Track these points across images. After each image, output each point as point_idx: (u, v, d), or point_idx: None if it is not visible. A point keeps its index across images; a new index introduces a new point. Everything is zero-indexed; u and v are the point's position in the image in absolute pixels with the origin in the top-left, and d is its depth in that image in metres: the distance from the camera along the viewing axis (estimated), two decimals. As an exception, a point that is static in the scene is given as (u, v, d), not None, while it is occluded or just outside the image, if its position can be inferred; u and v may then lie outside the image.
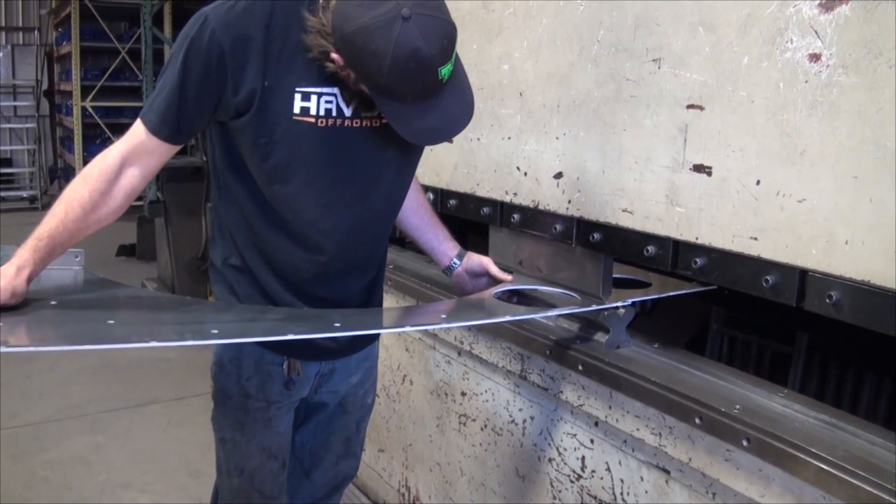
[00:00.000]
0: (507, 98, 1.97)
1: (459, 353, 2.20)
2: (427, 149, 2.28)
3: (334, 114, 1.48)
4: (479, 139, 2.07)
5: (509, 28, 1.94)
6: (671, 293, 1.79)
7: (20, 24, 11.90)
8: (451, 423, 2.27)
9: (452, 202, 2.18)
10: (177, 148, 1.52)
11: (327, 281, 1.62)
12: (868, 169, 1.27)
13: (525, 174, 1.93)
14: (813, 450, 1.29)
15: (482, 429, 2.14)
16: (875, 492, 1.19)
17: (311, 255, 1.58)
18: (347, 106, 1.48)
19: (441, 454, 2.33)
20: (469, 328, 2.10)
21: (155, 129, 1.46)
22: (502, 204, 2.01)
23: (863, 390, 2.27)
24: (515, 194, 1.97)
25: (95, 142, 8.91)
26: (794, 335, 2.35)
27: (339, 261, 1.60)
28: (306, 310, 1.60)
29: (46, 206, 8.83)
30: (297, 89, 1.44)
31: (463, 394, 2.21)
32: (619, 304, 1.73)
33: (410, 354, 2.44)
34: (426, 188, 2.27)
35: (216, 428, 1.73)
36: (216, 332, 1.36)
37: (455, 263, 1.87)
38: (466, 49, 2.09)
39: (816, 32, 1.32)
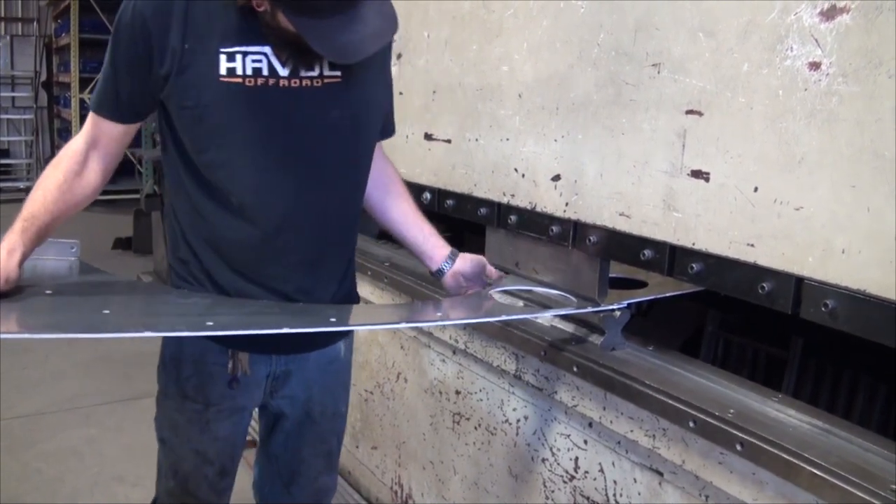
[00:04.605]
0: (505, 99, 1.96)
1: (454, 352, 2.20)
2: (425, 149, 2.29)
3: (265, 73, 1.43)
4: (477, 140, 2.07)
5: (509, 29, 1.94)
6: (667, 294, 1.78)
7: (19, 15, 11.86)
8: (445, 421, 2.27)
9: (450, 202, 2.18)
10: (131, 126, 1.53)
11: (282, 264, 1.54)
12: (866, 178, 1.27)
13: (523, 176, 1.93)
14: (806, 455, 1.29)
15: (476, 428, 2.14)
16: (868, 498, 1.19)
17: (256, 228, 1.50)
18: (283, 65, 1.43)
19: (434, 452, 2.33)
20: (464, 327, 2.10)
21: (96, 110, 1.50)
22: (499, 205, 2.01)
23: (857, 395, 2.28)
24: (513, 195, 1.96)
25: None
26: (789, 339, 2.36)
27: (289, 232, 1.52)
28: (302, 305, 1.56)
29: (43, 198, 8.83)
30: (222, 50, 1.41)
31: (457, 392, 2.21)
32: (615, 306, 1.72)
33: (405, 352, 2.44)
34: (423, 188, 2.27)
35: (156, 427, 1.69)
36: (211, 323, 1.35)
37: (446, 266, 1.76)
38: (466, 49, 2.09)
39: (817, 41, 1.32)
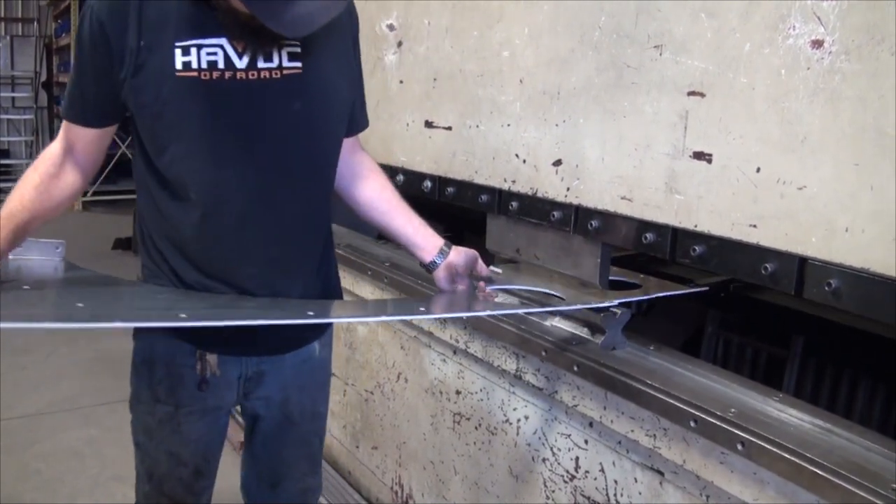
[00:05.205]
0: (506, 85, 1.96)
1: (455, 352, 2.19)
2: (426, 136, 2.29)
3: (221, 65, 1.39)
4: (478, 126, 2.06)
5: (510, 14, 1.93)
6: (662, 293, 1.76)
7: (19, 15, 11.86)
8: (446, 421, 2.26)
9: (450, 190, 2.17)
10: (103, 130, 1.52)
11: (247, 261, 1.51)
12: (869, 156, 1.26)
13: (524, 161, 1.92)
14: (807, 454, 1.28)
15: (476, 428, 2.13)
16: (869, 497, 1.19)
17: (217, 225, 1.47)
18: (240, 57, 1.41)
19: (435, 452, 2.32)
20: (465, 327, 2.08)
21: (66, 115, 1.51)
22: (500, 191, 2.00)
23: (857, 394, 2.28)
24: (514, 182, 1.96)
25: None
26: (790, 338, 2.36)
27: (252, 229, 1.49)
28: (280, 299, 1.53)
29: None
30: (177, 44, 1.38)
31: (458, 392, 2.20)
32: (607, 304, 1.69)
33: (406, 352, 2.43)
34: (424, 176, 2.26)
35: (132, 431, 1.67)
36: (184, 315, 1.31)
37: (440, 257, 1.67)
38: (467, 36, 2.08)
39: (819, 18, 1.31)
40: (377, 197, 1.71)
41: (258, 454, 1.75)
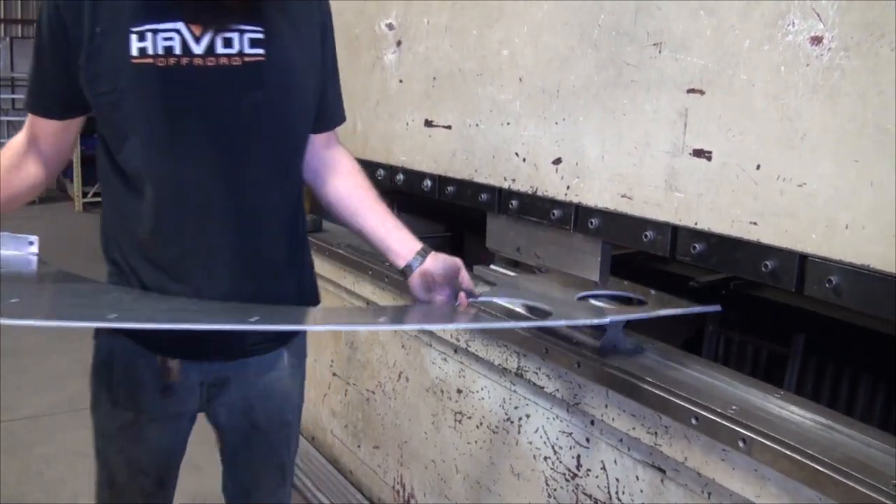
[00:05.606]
0: (506, 83, 1.96)
1: (456, 351, 2.19)
2: (425, 135, 2.28)
3: (177, 51, 1.33)
4: (477, 125, 2.06)
5: (510, 13, 1.93)
6: (665, 312, 1.64)
7: (19, 17, 11.86)
8: (447, 420, 2.26)
9: (450, 189, 2.17)
10: (66, 123, 1.47)
11: (206, 260, 1.44)
12: (869, 152, 1.26)
13: (524, 160, 1.92)
14: (809, 451, 1.28)
15: (478, 426, 2.13)
16: (871, 493, 1.19)
17: (174, 221, 1.42)
18: (197, 41, 1.34)
19: (436, 451, 2.32)
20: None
21: (27, 106, 1.48)
22: (500, 190, 2.00)
23: (858, 391, 2.28)
24: (514, 180, 1.96)
25: (93, 135, 8.83)
26: (790, 336, 2.36)
27: (210, 226, 1.42)
28: (236, 304, 1.44)
29: (44, 200, 8.82)
30: (132, 29, 1.32)
31: (459, 391, 2.20)
32: (595, 321, 1.61)
33: (406, 351, 2.43)
34: (424, 175, 2.26)
35: (93, 437, 1.60)
36: (115, 315, 1.25)
37: (415, 262, 1.54)
38: (466, 34, 2.08)
39: (818, 15, 1.31)
40: (348, 195, 1.61)
41: (228, 463, 1.70)
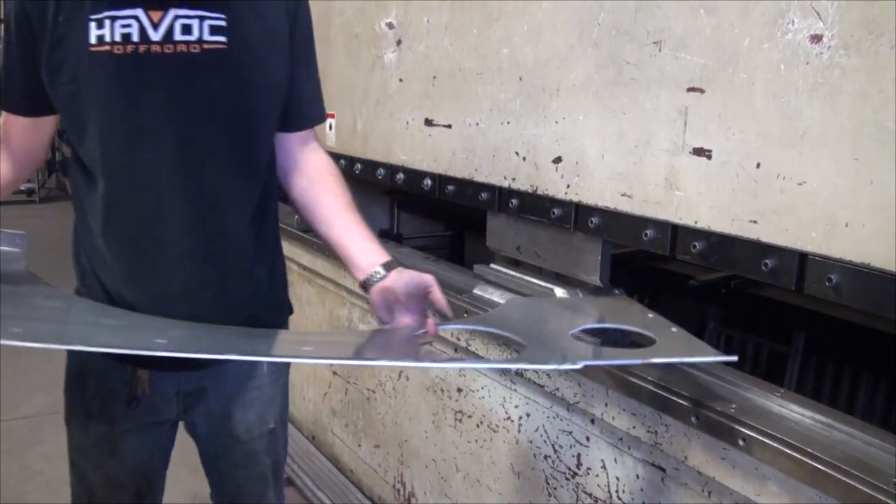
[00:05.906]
0: (506, 82, 1.96)
1: (456, 350, 2.18)
2: (426, 135, 2.28)
3: (135, 38, 1.28)
4: (477, 124, 2.06)
5: (509, 12, 1.93)
6: (652, 360, 1.40)
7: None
8: (447, 419, 2.26)
9: (450, 188, 2.17)
10: (37, 121, 1.43)
11: (163, 259, 1.39)
12: (869, 151, 1.26)
13: (524, 159, 1.92)
14: (809, 449, 1.28)
15: (478, 425, 2.13)
16: (871, 492, 1.19)
17: (131, 217, 1.37)
18: (155, 28, 1.29)
19: (436, 450, 2.32)
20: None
21: None
22: (500, 189, 2.00)
23: (859, 390, 2.28)
24: (514, 179, 1.96)
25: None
26: (791, 335, 2.36)
27: (168, 222, 1.37)
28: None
29: (44, 200, 8.83)
30: (91, 17, 1.28)
31: (459, 390, 2.20)
32: (567, 366, 1.30)
33: (407, 348, 2.43)
34: (424, 174, 2.26)
35: (68, 451, 1.58)
36: (53, 329, 1.20)
37: (375, 276, 1.40)
38: (466, 33, 2.08)
39: (818, 13, 1.31)
40: (315, 199, 1.50)
41: (210, 473, 1.68)
